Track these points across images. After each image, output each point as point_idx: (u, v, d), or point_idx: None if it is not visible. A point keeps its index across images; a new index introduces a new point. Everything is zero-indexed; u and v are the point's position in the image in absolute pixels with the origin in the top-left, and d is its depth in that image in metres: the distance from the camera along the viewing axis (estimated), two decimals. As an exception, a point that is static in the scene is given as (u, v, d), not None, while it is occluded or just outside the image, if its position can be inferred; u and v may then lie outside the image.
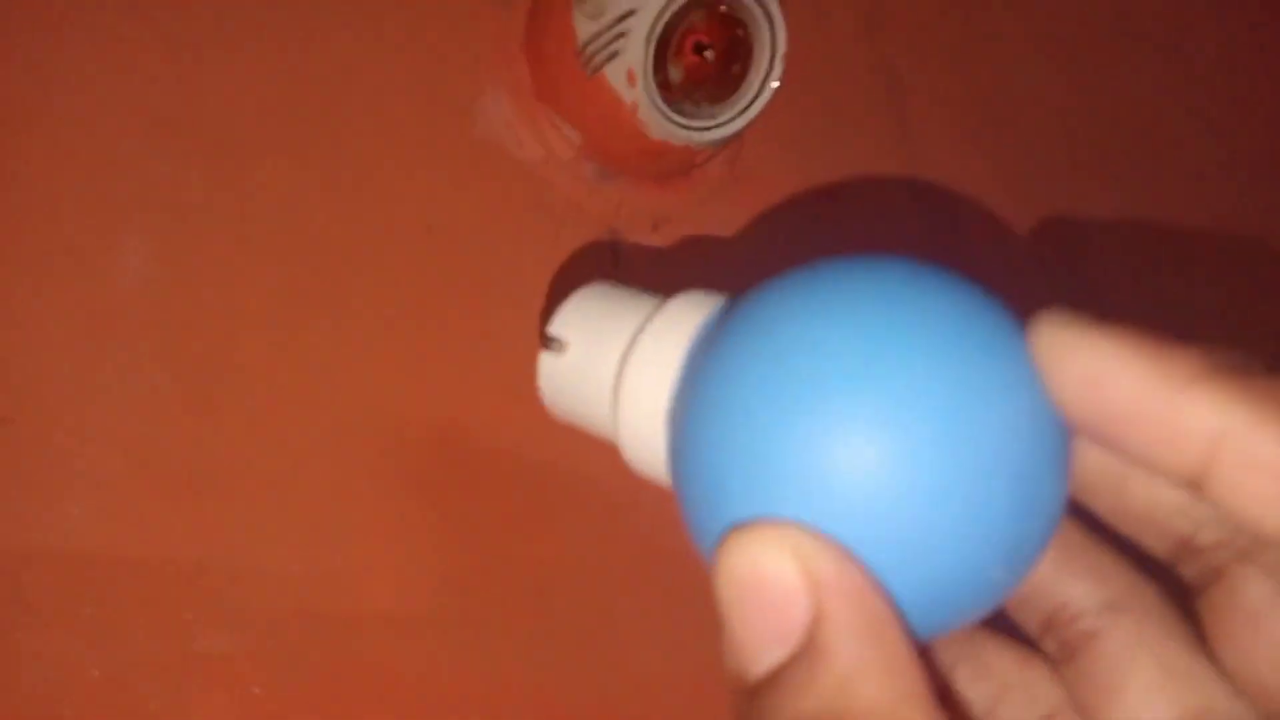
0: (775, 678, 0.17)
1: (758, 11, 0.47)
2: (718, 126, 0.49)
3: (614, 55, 0.46)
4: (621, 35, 0.45)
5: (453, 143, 0.48)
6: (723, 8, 0.47)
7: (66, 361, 0.37)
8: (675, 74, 0.48)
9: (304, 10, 0.45)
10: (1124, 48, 0.72)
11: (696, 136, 0.49)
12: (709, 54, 0.48)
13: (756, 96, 0.49)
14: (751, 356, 0.20)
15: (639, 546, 0.49)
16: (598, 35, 0.46)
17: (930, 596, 0.19)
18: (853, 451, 0.18)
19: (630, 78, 0.46)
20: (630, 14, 0.45)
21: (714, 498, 0.20)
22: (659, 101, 0.47)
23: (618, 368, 0.26)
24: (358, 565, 0.43)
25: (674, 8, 0.45)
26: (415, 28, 0.48)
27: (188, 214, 0.40)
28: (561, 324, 0.29)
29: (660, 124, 0.47)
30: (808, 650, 0.16)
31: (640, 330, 0.26)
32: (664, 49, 0.46)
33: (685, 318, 0.26)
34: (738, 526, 0.18)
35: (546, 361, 0.29)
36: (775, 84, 0.49)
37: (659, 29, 0.45)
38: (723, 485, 0.20)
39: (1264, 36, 0.77)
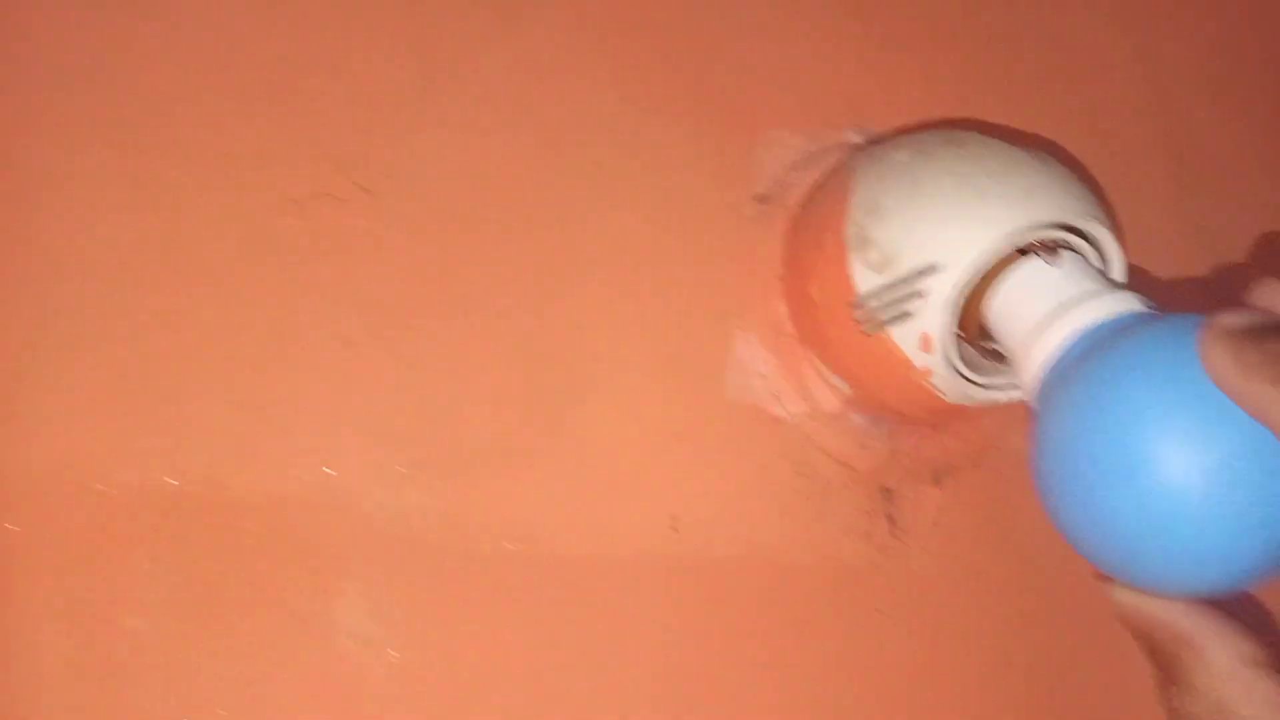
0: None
1: (1085, 248, 0.38)
2: (1028, 384, 0.40)
3: (904, 316, 0.37)
4: (917, 295, 0.37)
5: (700, 410, 0.41)
6: (1040, 255, 0.37)
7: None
8: (970, 316, 0.39)
9: (520, 286, 0.39)
10: None
11: (1001, 396, 0.39)
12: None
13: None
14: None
15: None
16: (884, 291, 0.37)
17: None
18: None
19: (925, 343, 0.37)
20: (931, 270, 0.36)
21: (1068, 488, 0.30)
22: (961, 368, 0.38)
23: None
24: None
25: (988, 265, 0.36)
26: (650, 264, 0.42)
27: (406, 553, 0.35)
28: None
29: (959, 389, 0.38)
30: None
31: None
32: (971, 303, 0.38)
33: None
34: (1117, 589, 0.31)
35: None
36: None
37: (967, 291, 0.36)
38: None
39: None
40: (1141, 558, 0.28)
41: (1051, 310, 0.34)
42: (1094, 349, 0.32)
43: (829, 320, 0.40)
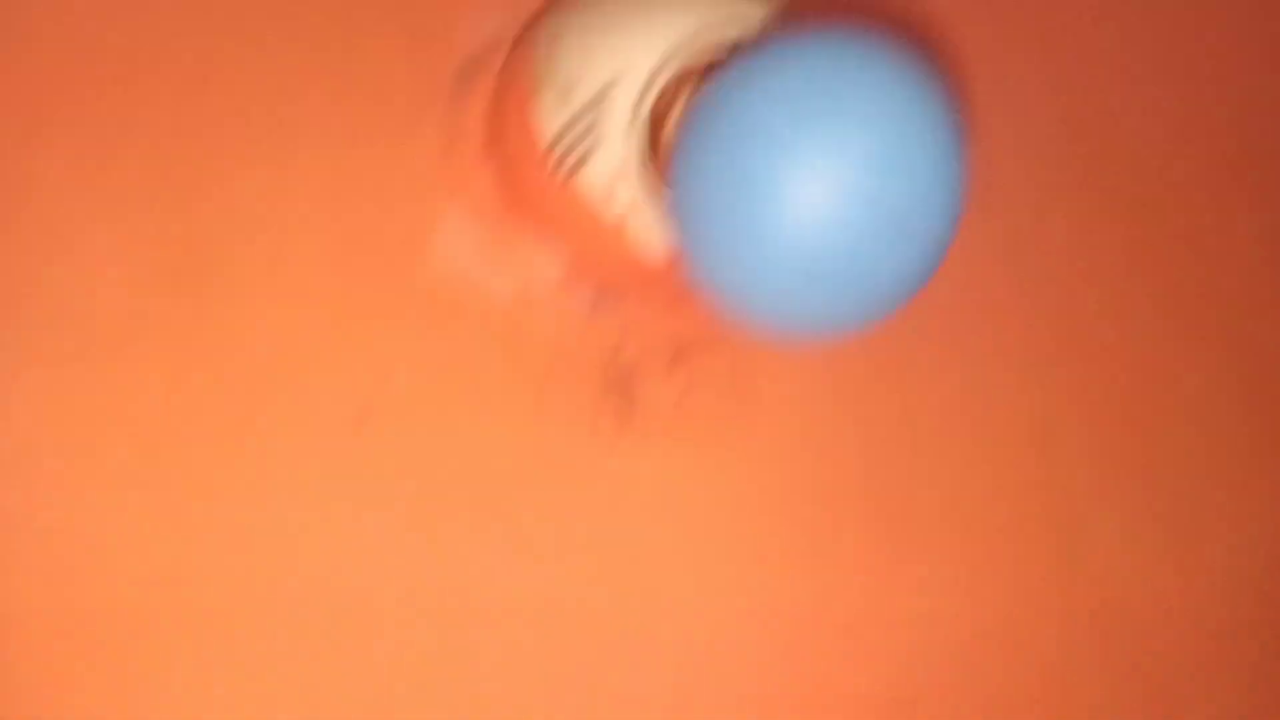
0: None
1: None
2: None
3: (591, 150, 0.33)
4: (599, 122, 0.32)
5: (396, 291, 0.36)
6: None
7: None
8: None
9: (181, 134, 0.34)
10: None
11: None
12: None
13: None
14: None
15: None
16: (568, 125, 0.33)
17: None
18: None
19: (616, 180, 0.33)
20: (608, 90, 0.32)
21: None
22: (654, 210, 0.33)
23: None
24: None
25: (663, 79, 0.32)
26: (337, 144, 0.37)
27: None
28: None
29: (658, 237, 0.34)
30: None
31: None
32: (658, 125, 0.33)
33: None
34: None
35: None
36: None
37: (644, 113, 0.32)
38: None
39: None
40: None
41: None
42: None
43: (527, 176, 0.36)
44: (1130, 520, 0.44)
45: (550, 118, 0.34)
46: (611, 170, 0.33)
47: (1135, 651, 0.43)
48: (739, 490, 0.39)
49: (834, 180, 0.27)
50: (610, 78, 0.32)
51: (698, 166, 0.28)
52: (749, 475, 0.40)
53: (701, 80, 0.32)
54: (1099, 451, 0.45)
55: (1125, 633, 0.43)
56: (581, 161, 0.33)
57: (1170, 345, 0.49)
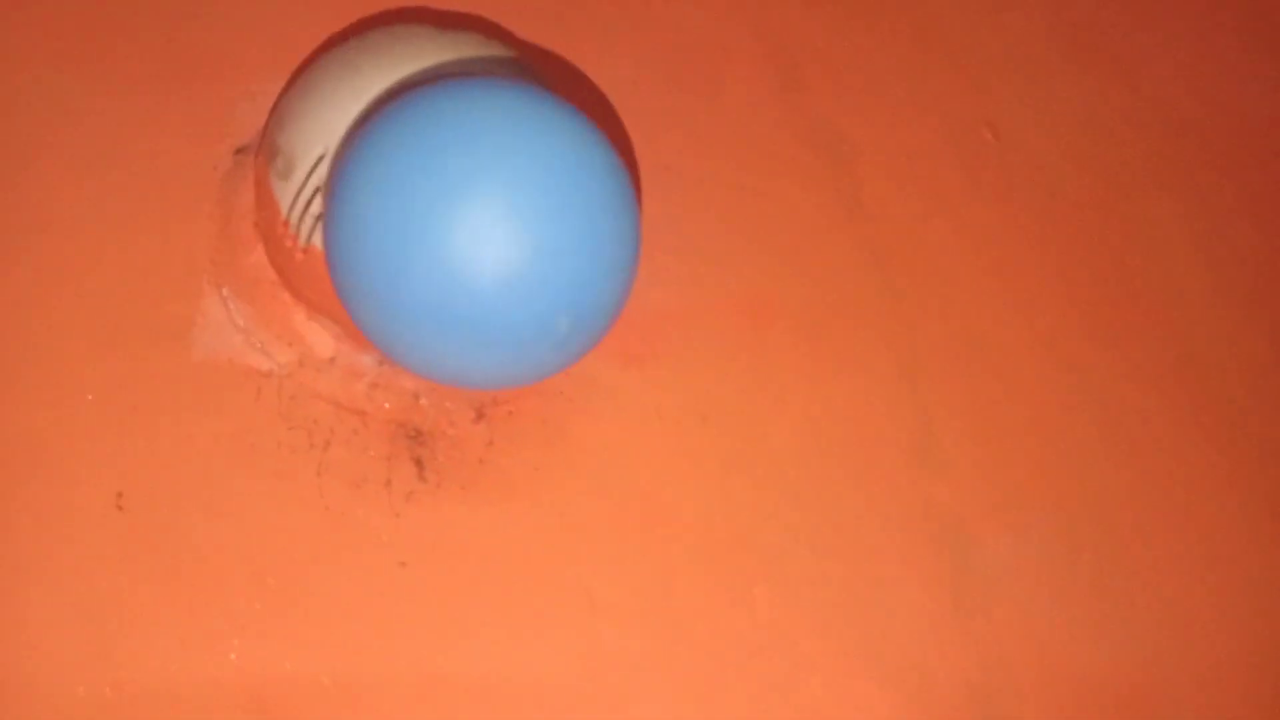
0: None
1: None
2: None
3: (318, 218, 0.34)
4: (318, 190, 0.33)
5: (165, 374, 0.37)
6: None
7: None
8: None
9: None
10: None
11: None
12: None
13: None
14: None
15: None
16: (295, 197, 0.34)
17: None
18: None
19: (344, 243, 0.33)
20: (322, 159, 0.33)
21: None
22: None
23: None
24: None
25: (370, 140, 0.33)
26: (106, 229, 0.38)
27: None
28: None
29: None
30: None
31: None
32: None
33: None
34: None
35: None
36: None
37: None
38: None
39: None
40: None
41: None
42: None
43: (281, 250, 0.37)
44: (1023, 544, 0.42)
45: (279, 192, 0.35)
46: (337, 236, 0.34)
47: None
48: (556, 540, 0.38)
49: (486, 232, 0.27)
50: (324, 148, 0.33)
51: (348, 208, 0.29)
52: (567, 524, 0.38)
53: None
54: (988, 467, 0.43)
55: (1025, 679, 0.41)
56: (311, 230, 0.34)
57: (1066, 346, 0.47)
